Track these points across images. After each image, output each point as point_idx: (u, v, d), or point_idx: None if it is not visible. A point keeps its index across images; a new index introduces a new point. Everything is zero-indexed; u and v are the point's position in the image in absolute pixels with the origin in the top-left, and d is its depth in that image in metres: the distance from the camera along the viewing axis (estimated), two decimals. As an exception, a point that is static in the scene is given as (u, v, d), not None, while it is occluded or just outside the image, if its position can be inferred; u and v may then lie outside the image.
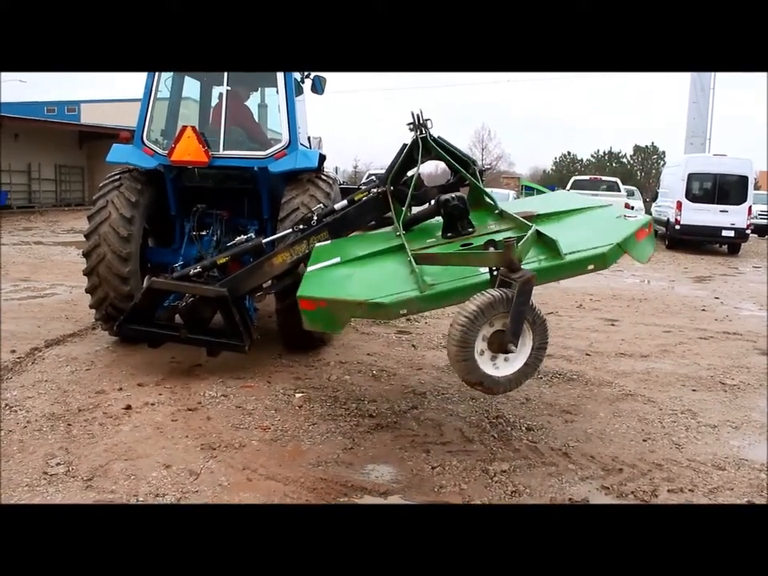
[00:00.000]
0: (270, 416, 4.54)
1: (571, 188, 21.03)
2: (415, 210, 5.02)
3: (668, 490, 3.70)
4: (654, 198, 23.37)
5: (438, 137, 5.06)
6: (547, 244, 3.55)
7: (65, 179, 27.63)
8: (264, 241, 5.44)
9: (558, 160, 69.34)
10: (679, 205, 18.45)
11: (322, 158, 6.36)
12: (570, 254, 3.46)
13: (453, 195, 4.30)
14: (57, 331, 6.51)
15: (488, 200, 4.76)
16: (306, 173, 6.06)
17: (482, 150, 62.59)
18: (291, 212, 5.71)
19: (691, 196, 18.62)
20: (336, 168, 15.76)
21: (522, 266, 3.09)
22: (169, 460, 3.83)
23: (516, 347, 2.87)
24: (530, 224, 3.80)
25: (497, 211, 4.49)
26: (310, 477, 3.69)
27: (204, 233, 6.17)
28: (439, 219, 4.59)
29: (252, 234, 5.62)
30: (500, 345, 2.87)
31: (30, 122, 24.81)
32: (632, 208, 21.56)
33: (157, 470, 3.71)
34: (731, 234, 18.26)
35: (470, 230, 4.21)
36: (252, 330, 5.31)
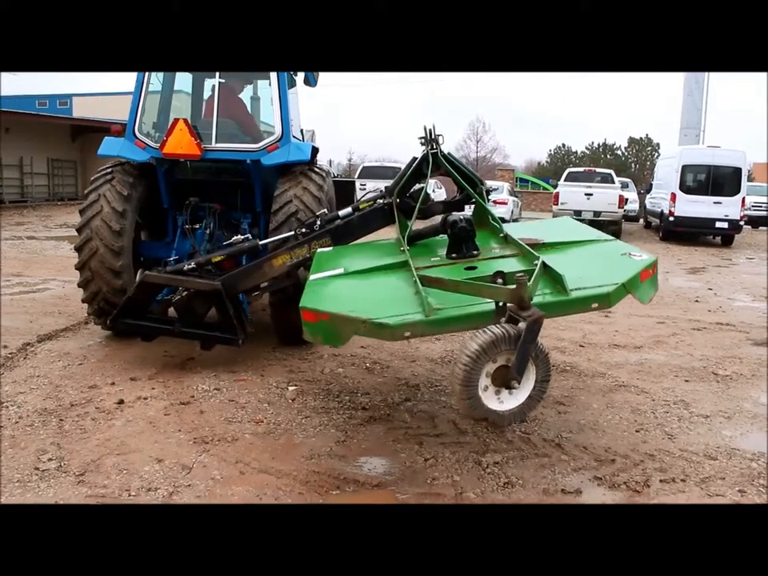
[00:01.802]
0: (263, 409, 4.54)
1: (565, 180, 21.06)
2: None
3: (660, 480, 3.71)
4: (648, 189, 23.38)
5: (449, 153, 5.10)
6: (553, 277, 3.51)
7: (57, 173, 27.43)
8: (260, 243, 5.44)
9: (552, 152, 69.38)
10: (673, 197, 18.48)
11: (315, 150, 6.34)
12: (575, 290, 3.40)
13: (461, 217, 4.26)
14: (49, 326, 6.49)
15: (493, 222, 4.72)
16: (299, 165, 6.04)
17: (477, 142, 62.65)
18: (284, 205, 5.69)
19: (685, 188, 18.65)
20: (330, 161, 15.76)
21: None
22: (161, 454, 3.82)
23: (519, 383, 2.87)
24: (537, 254, 3.74)
25: (501, 234, 4.47)
26: (303, 470, 3.69)
27: (197, 226, 6.14)
28: (443, 235, 4.58)
29: (249, 236, 5.60)
30: (504, 380, 2.86)
31: (22, 116, 24.64)
32: (626, 200, 21.62)
33: (149, 464, 3.70)
34: (725, 225, 18.31)
35: (475, 252, 4.19)
36: (246, 323, 5.30)
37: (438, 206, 5.25)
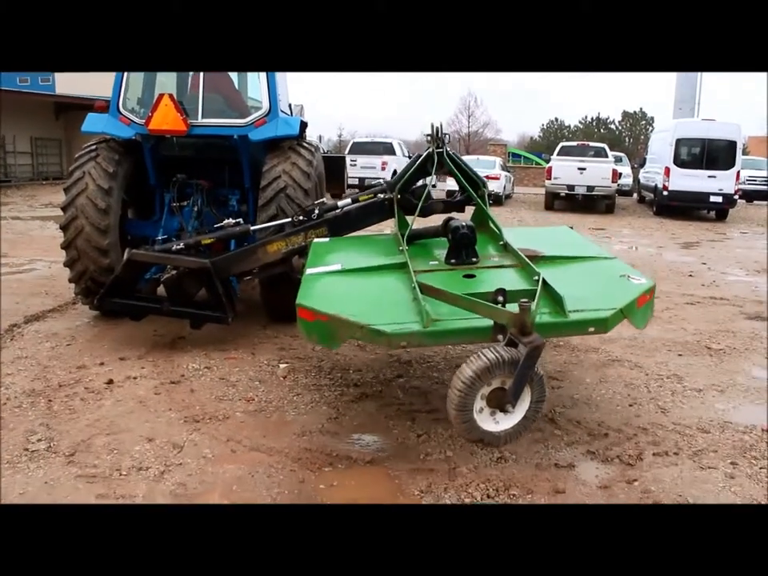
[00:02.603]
0: (254, 387, 4.50)
1: (558, 154, 20.94)
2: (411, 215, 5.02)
3: (653, 454, 3.71)
4: (642, 164, 23.29)
5: (454, 153, 5.09)
6: (552, 296, 3.47)
7: (41, 152, 26.98)
8: (252, 228, 5.39)
9: (545, 127, 68.87)
10: (667, 171, 18.41)
11: (304, 125, 6.24)
12: (573, 312, 3.36)
13: (463, 223, 4.22)
14: (36, 307, 6.42)
15: (493, 227, 4.69)
16: (288, 141, 5.95)
17: (469, 117, 62.15)
18: (273, 180, 5.61)
19: (679, 161, 18.57)
20: (320, 136, 15.55)
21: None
22: (152, 433, 3.79)
23: (514, 407, 2.86)
24: (537, 270, 3.71)
25: (501, 242, 4.44)
26: (295, 447, 3.66)
27: (184, 203, 6.06)
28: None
29: (240, 220, 5.53)
30: (499, 403, 2.85)
31: (3, 93, 24.07)
32: (620, 175, 21.55)
33: (140, 443, 3.67)
34: (719, 199, 18.26)
35: (474, 259, 4.16)
36: (235, 301, 5.25)
37: (438, 204, 5.25)
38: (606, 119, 66.08)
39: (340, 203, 5.34)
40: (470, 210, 5.28)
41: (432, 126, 5.05)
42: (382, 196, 5.20)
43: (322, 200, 5.45)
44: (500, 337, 3.14)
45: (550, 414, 4.14)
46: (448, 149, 5.04)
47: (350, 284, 3.92)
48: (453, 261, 4.15)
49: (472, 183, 5.07)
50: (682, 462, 3.64)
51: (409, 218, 4.91)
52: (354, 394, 4.40)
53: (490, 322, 3.16)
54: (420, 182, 5.20)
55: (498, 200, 21.58)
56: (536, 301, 3.22)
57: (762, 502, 2.74)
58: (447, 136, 5.12)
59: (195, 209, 6.01)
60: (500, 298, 3.30)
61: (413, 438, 3.80)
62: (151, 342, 5.39)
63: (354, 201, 5.34)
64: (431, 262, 4.21)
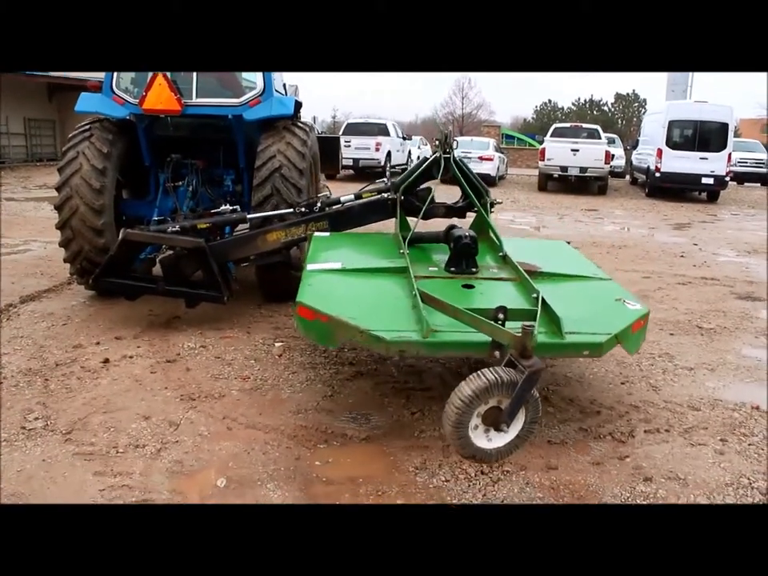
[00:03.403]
0: (249, 366, 4.53)
1: (552, 135, 20.90)
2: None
3: (645, 431, 3.77)
4: (635, 145, 23.27)
5: (461, 159, 5.12)
6: (549, 315, 3.50)
7: (35, 133, 26.65)
8: (249, 216, 5.40)
9: (538, 108, 68.61)
10: (660, 152, 18.42)
11: (298, 105, 6.22)
12: (569, 334, 3.40)
13: (466, 233, 4.24)
14: (32, 287, 6.41)
15: (493, 236, 4.71)
16: (282, 120, 5.93)
17: (462, 98, 61.88)
18: (268, 160, 5.60)
19: (672, 143, 18.57)
20: (314, 117, 15.50)
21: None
22: (148, 411, 3.81)
23: (509, 427, 2.90)
24: (535, 287, 3.74)
25: (501, 254, 4.47)
26: (291, 424, 3.70)
27: (179, 184, 6.05)
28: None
29: (238, 207, 5.55)
30: (494, 421, 2.89)
31: (-1, 75, 23.93)
32: (612, 156, 21.53)
33: (136, 421, 3.70)
34: (710, 181, 18.30)
35: (474, 270, 4.19)
36: (231, 281, 5.26)
37: (440, 208, 5.28)
38: (599, 101, 65.85)
39: (342, 198, 5.39)
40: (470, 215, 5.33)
41: (442, 132, 5.14)
42: (385, 195, 5.25)
43: (324, 193, 5.50)
44: (496, 353, 3.18)
45: (544, 392, 4.18)
46: (456, 155, 5.10)
47: (350, 285, 3.94)
48: (452, 269, 4.20)
49: (476, 191, 5.13)
50: (672, 438, 3.70)
51: (410, 220, 4.97)
52: (349, 372, 4.44)
53: (487, 338, 3.20)
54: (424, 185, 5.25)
55: (491, 182, 21.58)
56: (536, 320, 3.27)
57: (762, 502, 2.80)
58: (455, 142, 5.19)
59: (190, 189, 6.01)
60: (500, 316, 3.32)
61: (407, 415, 3.84)
62: (147, 322, 5.40)
63: (357, 197, 5.39)
64: (431, 268, 4.26)
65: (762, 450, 3.58)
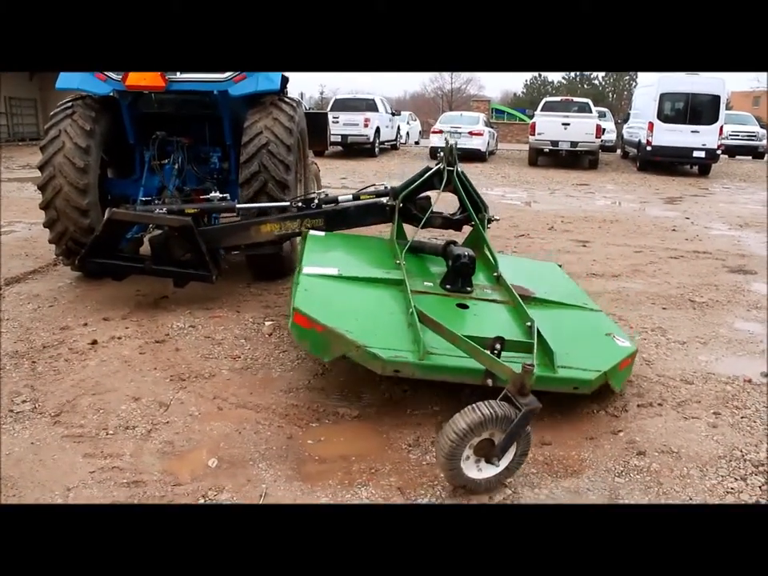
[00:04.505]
0: (239, 345, 4.48)
1: (542, 110, 20.77)
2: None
3: (638, 405, 3.76)
4: (626, 119, 23.19)
5: (462, 173, 5.14)
6: (542, 346, 3.51)
7: (16, 112, 26.28)
8: (238, 206, 5.35)
9: (528, 83, 68.24)
10: (651, 126, 18.35)
11: (285, 80, 6.11)
12: (561, 368, 3.43)
13: (465, 252, 4.24)
14: (17, 269, 6.32)
15: (489, 254, 4.71)
16: (269, 96, 5.83)
17: (452, 73, 61.33)
18: (254, 136, 5.50)
19: (663, 116, 18.51)
20: (301, 93, 15.34)
21: (511, 366, 3.02)
22: (138, 393, 3.77)
23: (500, 461, 2.90)
24: (529, 315, 3.76)
25: (495, 274, 4.47)
26: (282, 403, 3.67)
27: (165, 161, 5.95)
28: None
29: (227, 195, 5.49)
30: (485, 453, 2.89)
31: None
32: (603, 130, 21.44)
33: (126, 402, 3.65)
34: (702, 154, 18.26)
35: (468, 289, 4.19)
36: (219, 260, 5.20)
37: (437, 219, 5.27)
38: (590, 75, 65.51)
39: (340, 197, 5.39)
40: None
41: (446, 142, 5.16)
42: (384, 200, 5.24)
43: (322, 190, 5.48)
44: (489, 381, 3.20)
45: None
46: (459, 168, 5.11)
47: (346, 294, 3.92)
48: (448, 287, 4.20)
49: (474, 205, 5.12)
50: (666, 412, 3.69)
51: (408, 229, 5.04)
52: (341, 351, 4.40)
53: (482, 366, 3.21)
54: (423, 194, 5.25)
55: (481, 157, 21.47)
56: (534, 359, 3.27)
57: (762, 502, 2.79)
58: (459, 154, 5.27)
59: (176, 167, 5.90)
60: (497, 347, 3.32)
61: (399, 392, 3.82)
62: (135, 302, 5.34)
63: (356, 198, 5.40)
64: (426, 283, 4.25)
65: (755, 422, 3.58)
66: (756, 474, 3.07)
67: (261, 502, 2.80)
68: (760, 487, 2.97)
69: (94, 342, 4.46)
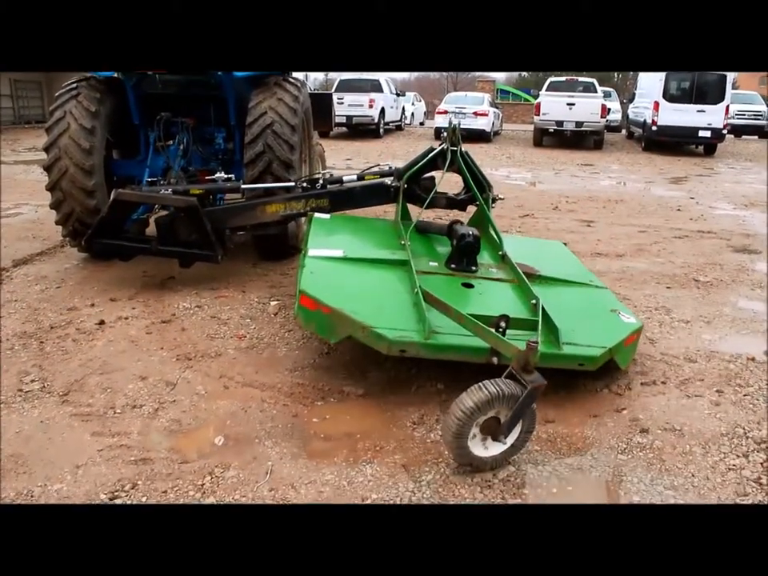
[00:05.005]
0: (245, 325, 4.51)
1: (547, 90, 20.60)
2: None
3: (641, 384, 3.78)
4: (631, 99, 22.99)
5: (466, 152, 5.13)
6: (547, 324, 3.51)
7: (22, 95, 26.24)
8: (243, 186, 5.35)
9: (534, 63, 67.58)
10: (656, 105, 18.18)
11: (289, 60, 6.08)
12: (566, 344, 3.44)
13: (470, 232, 4.23)
14: (24, 251, 6.35)
15: (493, 234, 4.72)
16: (273, 76, 5.82)
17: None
18: (259, 117, 5.50)
19: (668, 96, 18.33)
20: (306, 74, 15.23)
21: (517, 344, 3.02)
22: (145, 372, 3.81)
23: (506, 438, 2.91)
24: (534, 293, 3.75)
25: (500, 252, 4.47)
26: (288, 382, 3.70)
27: (170, 142, 5.96)
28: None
29: (233, 176, 5.48)
30: (491, 431, 2.90)
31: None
32: (609, 110, 21.28)
33: (133, 382, 3.69)
34: (707, 134, 18.12)
35: (473, 268, 4.20)
36: (225, 240, 5.22)
37: (441, 200, 5.28)
38: (596, 54, 64.80)
39: (345, 178, 5.41)
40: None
41: (450, 123, 5.18)
42: (388, 181, 5.25)
43: (327, 171, 5.44)
44: (494, 359, 3.23)
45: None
46: (462, 148, 5.11)
47: (352, 275, 3.93)
48: (453, 266, 4.21)
49: (479, 185, 5.12)
50: (669, 390, 3.72)
51: (412, 209, 5.06)
52: (346, 331, 4.42)
53: (487, 344, 3.23)
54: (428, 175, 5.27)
55: (486, 137, 21.36)
56: (539, 336, 3.28)
57: (763, 502, 2.81)
58: (463, 134, 5.27)
59: (181, 147, 5.91)
60: (503, 324, 3.33)
61: (404, 371, 3.84)
62: (141, 283, 5.37)
63: (360, 178, 5.42)
64: (431, 263, 4.26)
65: (757, 400, 3.60)
66: (758, 451, 3.10)
67: (266, 479, 2.84)
68: (761, 464, 3.00)
69: (102, 323, 4.50)
